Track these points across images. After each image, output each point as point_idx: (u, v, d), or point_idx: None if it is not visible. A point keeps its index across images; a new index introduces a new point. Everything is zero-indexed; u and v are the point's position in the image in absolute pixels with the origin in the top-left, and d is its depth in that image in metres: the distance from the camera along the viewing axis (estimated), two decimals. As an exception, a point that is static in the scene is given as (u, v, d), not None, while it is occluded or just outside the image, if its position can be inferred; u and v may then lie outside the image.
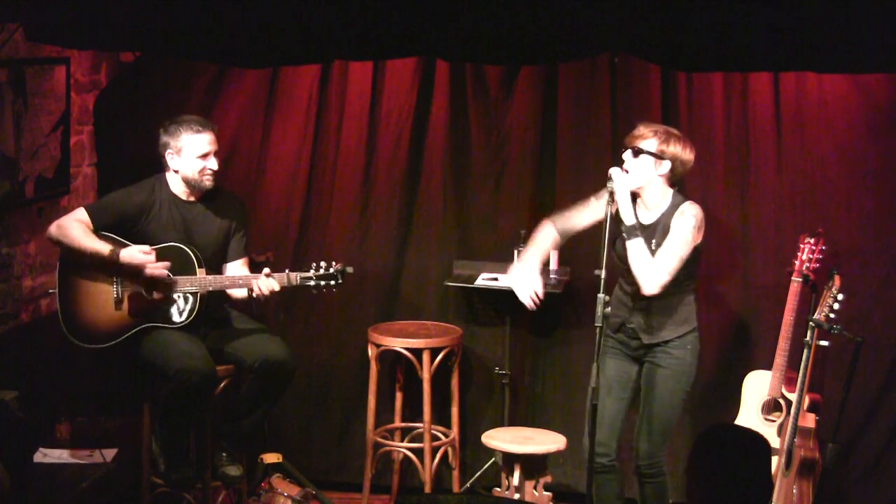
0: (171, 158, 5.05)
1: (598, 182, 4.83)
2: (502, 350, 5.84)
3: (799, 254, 5.18)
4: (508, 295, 5.69)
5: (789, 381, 5.16)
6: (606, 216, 4.58)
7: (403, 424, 5.85)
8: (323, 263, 4.98)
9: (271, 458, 5.36)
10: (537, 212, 5.80)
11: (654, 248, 4.62)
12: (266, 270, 4.97)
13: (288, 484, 5.26)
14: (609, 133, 5.64)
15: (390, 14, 4.84)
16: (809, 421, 5.12)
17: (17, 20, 5.04)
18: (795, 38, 4.64)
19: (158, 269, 4.90)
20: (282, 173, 5.94)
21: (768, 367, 5.23)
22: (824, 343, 4.99)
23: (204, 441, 5.19)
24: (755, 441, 3.46)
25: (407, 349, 5.55)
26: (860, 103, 5.47)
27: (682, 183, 4.89)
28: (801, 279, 5.16)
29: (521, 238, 5.69)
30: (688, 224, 4.63)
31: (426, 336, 5.61)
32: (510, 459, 5.45)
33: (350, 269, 5.01)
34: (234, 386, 5.16)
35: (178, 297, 4.97)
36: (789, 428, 5.05)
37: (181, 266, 4.96)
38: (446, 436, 5.76)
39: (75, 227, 4.92)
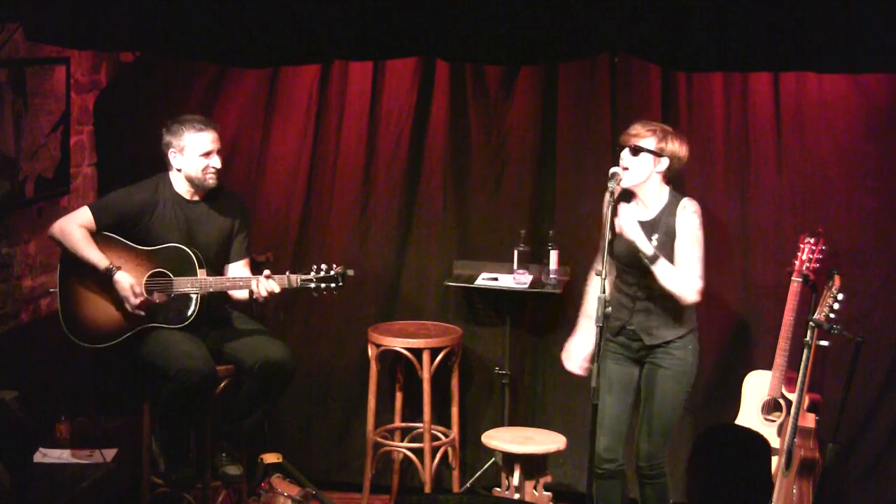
0: (174, 157, 5.06)
1: (598, 182, 4.83)
2: (502, 350, 5.84)
3: (799, 254, 5.18)
4: (508, 295, 5.72)
5: (789, 381, 5.16)
6: (606, 216, 4.59)
7: (403, 424, 5.85)
8: (324, 265, 4.96)
9: (271, 458, 5.37)
10: (537, 212, 5.81)
11: (656, 243, 4.64)
12: (266, 272, 4.96)
13: (288, 484, 5.26)
14: (609, 133, 5.63)
15: (390, 14, 4.85)
16: (809, 421, 5.12)
17: (17, 20, 5.04)
18: (795, 38, 4.65)
19: (137, 307, 4.92)
20: (282, 173, 5.94)
21: (768, 367, 5.23)
22: (824, 343, 4.98)
23: (204, 441, 5.19)
24: (755, 441, 3.47)
25: (407, 349, 5.55)
26: (860, 103, 5.46)
27: (677, 179, 4.89)
28: (801, 279, 5.16)
29: (521, 238, 5.70)
30: (693, 222, 4.66)
31: (426, 336, 5.60)
32: (510, 459, 5.44)
33: (351, 272, 4.97)
34: (234, 386, 5.16)
35: (179, 298, 4.97)
36: (789, 428, 5.04)
37: (182, 267, 4.96)
38: (446, 436, 5.76)
39: (76, 233, 4.93)
